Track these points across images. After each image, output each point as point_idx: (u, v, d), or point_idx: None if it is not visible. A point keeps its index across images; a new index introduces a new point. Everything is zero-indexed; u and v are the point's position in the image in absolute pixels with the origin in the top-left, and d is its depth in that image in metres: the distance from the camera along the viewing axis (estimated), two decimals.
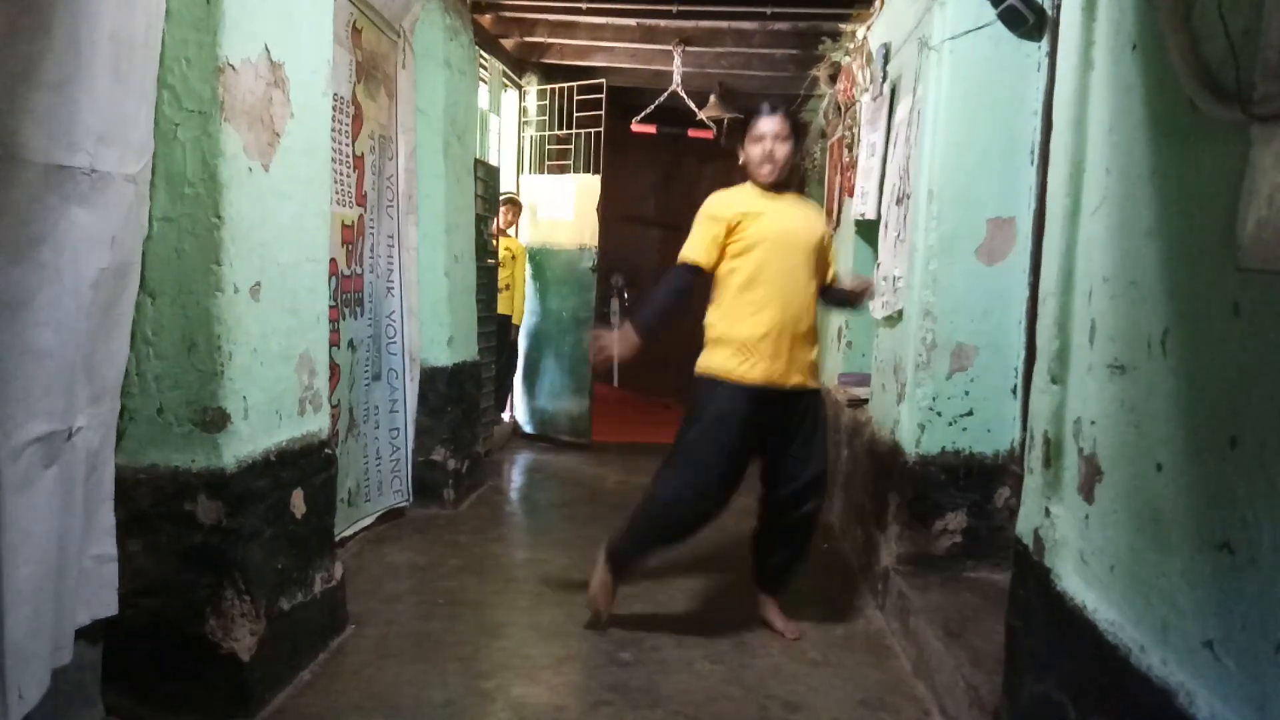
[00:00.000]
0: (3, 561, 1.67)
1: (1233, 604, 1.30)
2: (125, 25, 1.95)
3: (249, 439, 2.41)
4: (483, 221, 5.38)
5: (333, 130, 3.04)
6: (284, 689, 2.57)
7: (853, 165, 4.83)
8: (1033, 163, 3.16)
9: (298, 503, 2.67)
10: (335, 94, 3.23)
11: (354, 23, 3.63)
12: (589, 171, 6.54)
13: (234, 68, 2.28)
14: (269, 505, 2.50)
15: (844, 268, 4.07)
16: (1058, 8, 2.85)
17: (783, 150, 3.05)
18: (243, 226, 2.35)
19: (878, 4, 4.43)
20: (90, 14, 1.80)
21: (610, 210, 6.90)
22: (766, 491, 3.15)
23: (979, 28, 3.14)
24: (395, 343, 4.22)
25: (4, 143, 1.62)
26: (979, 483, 3.27)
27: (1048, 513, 1.99)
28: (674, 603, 3.45)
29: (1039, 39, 3.11)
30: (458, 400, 4.73)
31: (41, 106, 1.68)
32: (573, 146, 6.62)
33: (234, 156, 2.30)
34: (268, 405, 2.52)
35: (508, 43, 6.10)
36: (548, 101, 6.70)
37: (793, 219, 3.07)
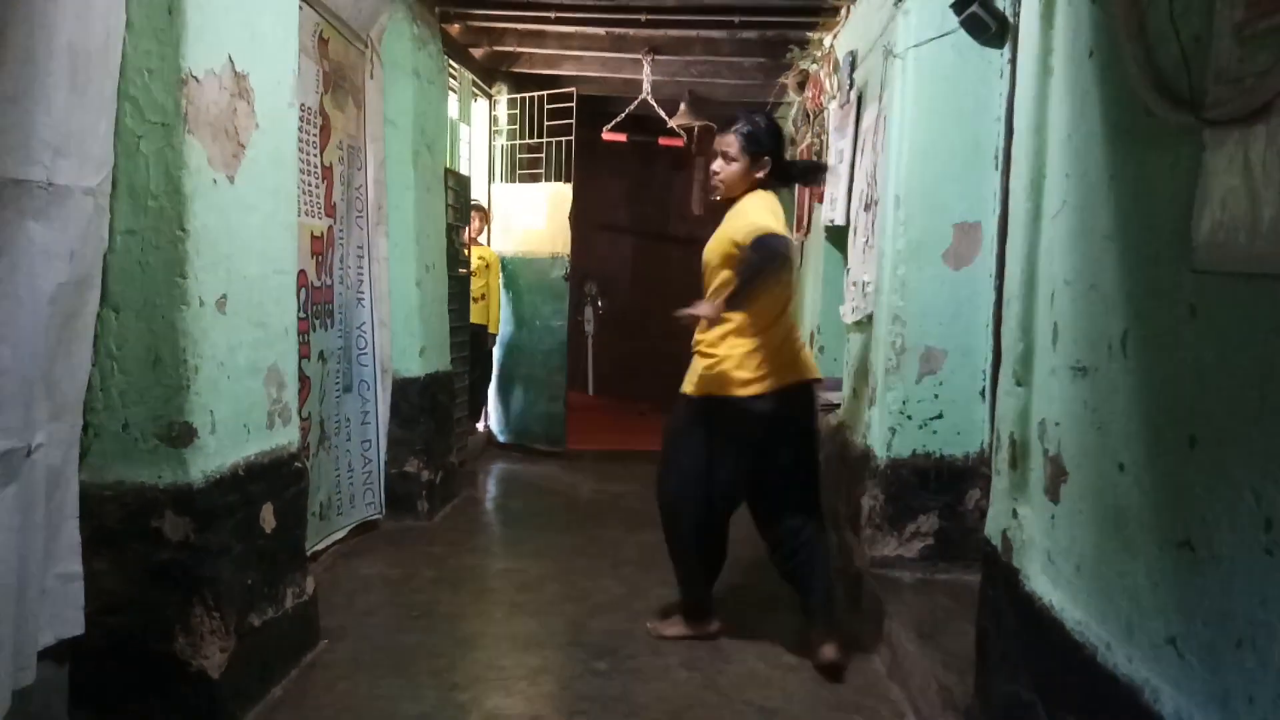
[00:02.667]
0: None
1: (1194, 601, 1.32)
2: (83, 36, 1.93)
3: (216, 454, 2.39)
4: (454, 231, 5.36)
5: (300, 141, 3.02)
6: (255, 706, 2.53)
7: None
8: (997, 168, 3.19)
9: (267, 517, 2.64)
10: (302, 104, 3.21)
11: (320, 32, 3.61)
12: (560, 180, 6.55)
13: (197, 79, 2.26)
14: (238, 520, 2.47)
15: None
16: (1018, 15, 2.88)
17: (722, 167, 3.07)
18: (208, 239, 2.32)
19: (844, 13, 4.48)
20: (46, 25, 1.78)
21: (582, 218, 6.90)
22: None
23: (942, 35, 3.18)
24: (366, 354, 4.19)
25: None
26: (950, 485, 3.29)
27: (1015, 514, 2.01)
28: (648, 611, 3.44)
29: (1001, 46, 3.15)
30: (430, 411, 4.70)
31: None
32: (544, 155, 6.62)
33: (198, 169, 2.28)
34: (235, 419, 2.49)
35: (477, 52, 6.09)
36: (518, 110, 6.69)
37: (714, 237, 3.10)
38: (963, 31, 3.12)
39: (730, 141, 3.05)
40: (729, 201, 3.10)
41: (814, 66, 5.16)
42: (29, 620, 1.90)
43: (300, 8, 2.94)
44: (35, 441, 1.86)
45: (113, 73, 2.11)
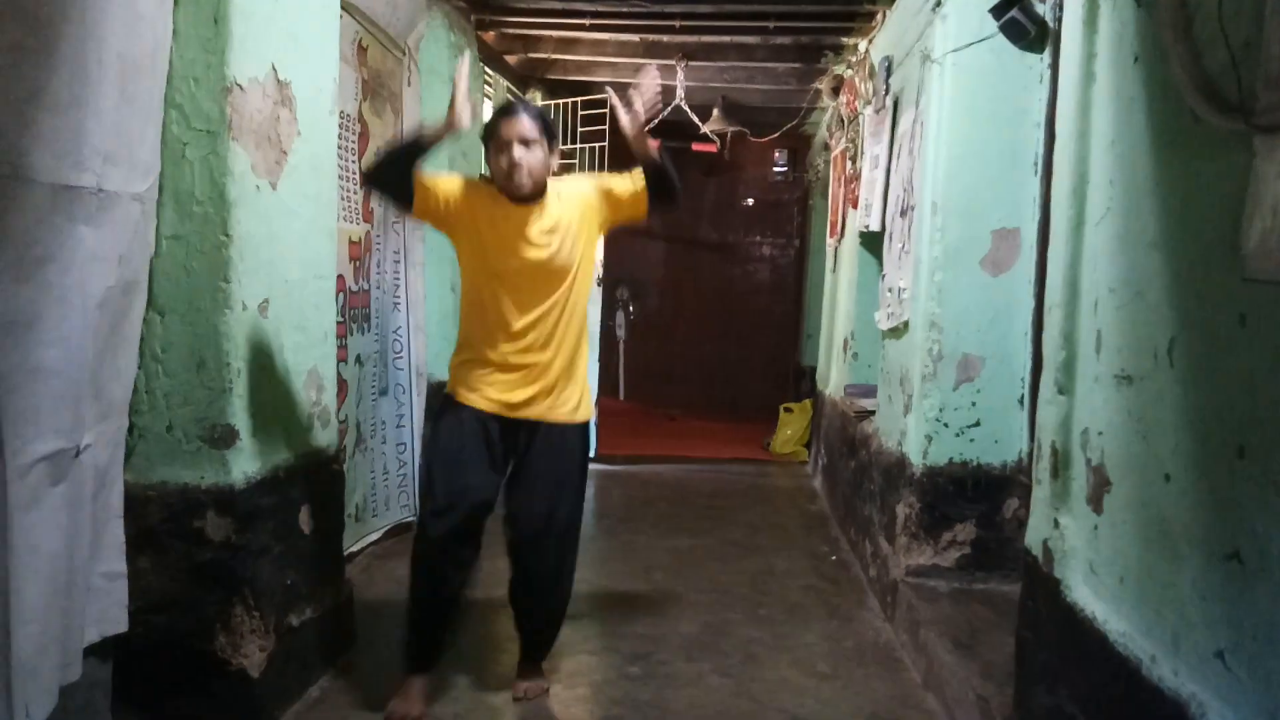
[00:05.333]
0: (10, 579, 1.68)
1: (1243, 614, 1.29)
2: (132, 46, 1.97)
3: (257, 455, 2.42)
4: None
5: (339, 148, 3.06)
6: (293, 705, 2.56)
7: (856, 177, 4.84)
8: (1036, 174, 3.16)
9: (306, 519, 2.67)
10: (342, 112, 3.25)
11: (360, 41, 3.66)
12: None
13: (241, 87, 2.30)
14: (277, 521, 2.50)
15: None
16: (1059, 20, 2.86)
17: (525, 155, 2.49)
18: (251, 244, 2.36)
19: (880, 17, 4.45)
20: (97, 35, 1.82)
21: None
22: None
23: (981, 40, 3.15)
24: (402, 358, 4.23)
25: (11, 163, 1.63)
26: (987, 494, 3.26)
27: (1056, 524, 1.99)
28: (682, 617, 3.44)
29: (1041, 51, 3.12)
30: None
31: (49, 127, 1.70)
32: (577, 161, 6.64)
33: (242, 175, 2.32)
34: (276, 422, 2.53)
35: (512, 59, 6.13)
36: (552, 117, 6.72)
37: (535, 230, 2.62)
38: (1001, 36, 3.09)
39: (529, 126, 2.49)
40: (521, 201, 2.53)
41: (849, 72, 5.14)
42: (75, 617, 1.94)
43: (340, 16, 2.98)
44: (83, 442, 1.90)
45: (160, 81, 2.15)
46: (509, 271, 2.55)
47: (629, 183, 2.67)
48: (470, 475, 2.53)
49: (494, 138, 2.53)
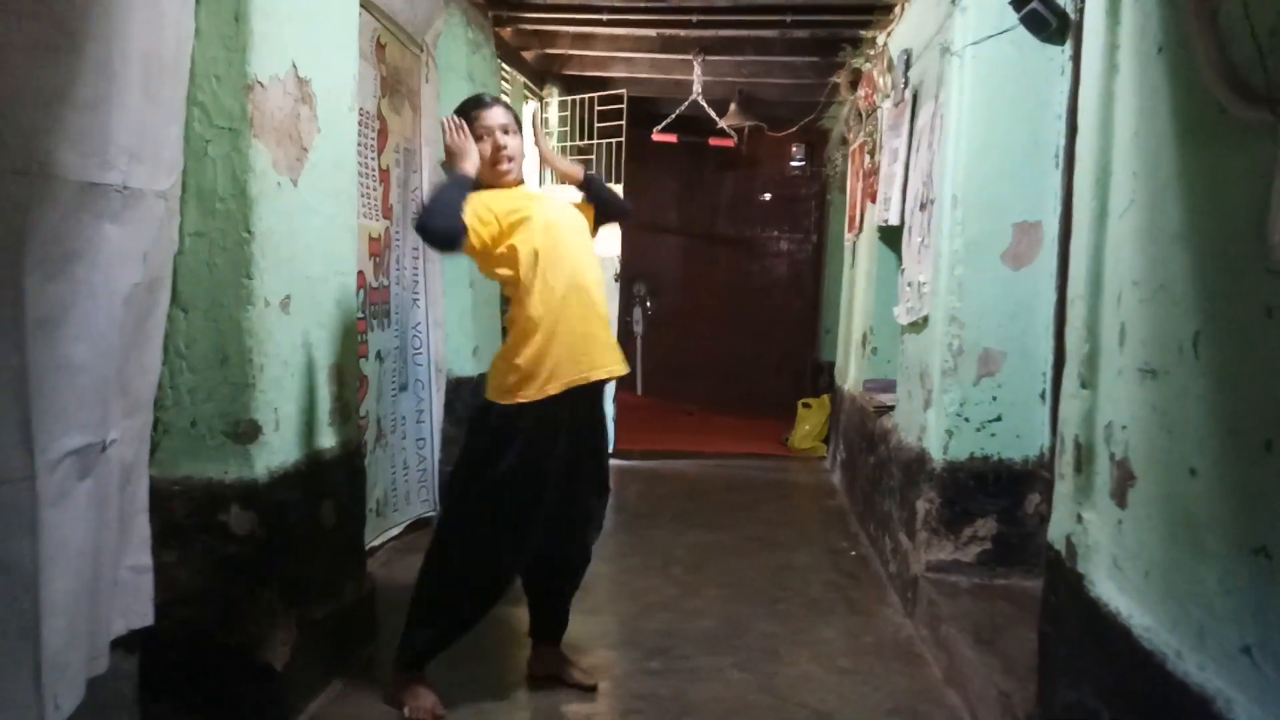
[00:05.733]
0: (40, 572, 1.70)
1: (1271, 609, 1.28)
2: (156, 44, 1.99)
3: (280, 450, 2.44)
4: None
5: (359, 144, 3.07)
6: (317, 698, 2.59)
7: (875, 171, 4.82)
8: (1058, 166, 3.14)
9: (328, 513, 2.69)
10: (361, 109, 3.27)
11: (378, 38, 3.67)
12: (611, 181, 6.56)
13: (263, 85, 2.32)
14: (300, 516, 2.52)
15: None
16: (1080, 11, 2.83)
17: (510, 142, 2.62)
18: (272, 241, 2.38)
19: (898, 10, 4.43)
20: (121, 33, 1.84)
21: (632, 219, 6.91)
22: None
23: (1001, 32, 3.14)
24: (421, 354, 4.25)
25: (38, 161, 1.65)
26: (1008, 489, 3.24)
27: (1079, 518, 1.98)
28: (702, 612, 3.44)
29: (1062, 43, 3.10)
30: None
31: (74, 125, 1.71)
32: (594, 157, 6.64)
33: (263, 172, 2.33)
34: (299, 417, 2.55)
35: (529, 55, 6.14)
36: (569, 113, 6.73)
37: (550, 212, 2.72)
38: (1022, 28, 3.07)
39: (505, 116, 2.63)
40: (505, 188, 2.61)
41: (867, 65, 5.11)
42: (103, 610, 1.96)
43: (359, 13, 2.99)
44: (110, 437, 1.92)
45: (183, 79, 2.17)
46: (558, 228, 2.58)
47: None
48: (537, 518, 2.53)
49: (471, 128, 2.61)
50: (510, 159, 2.61)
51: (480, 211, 2.50)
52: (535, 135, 2.72)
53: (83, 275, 1.77)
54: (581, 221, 2.72)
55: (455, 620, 2.61)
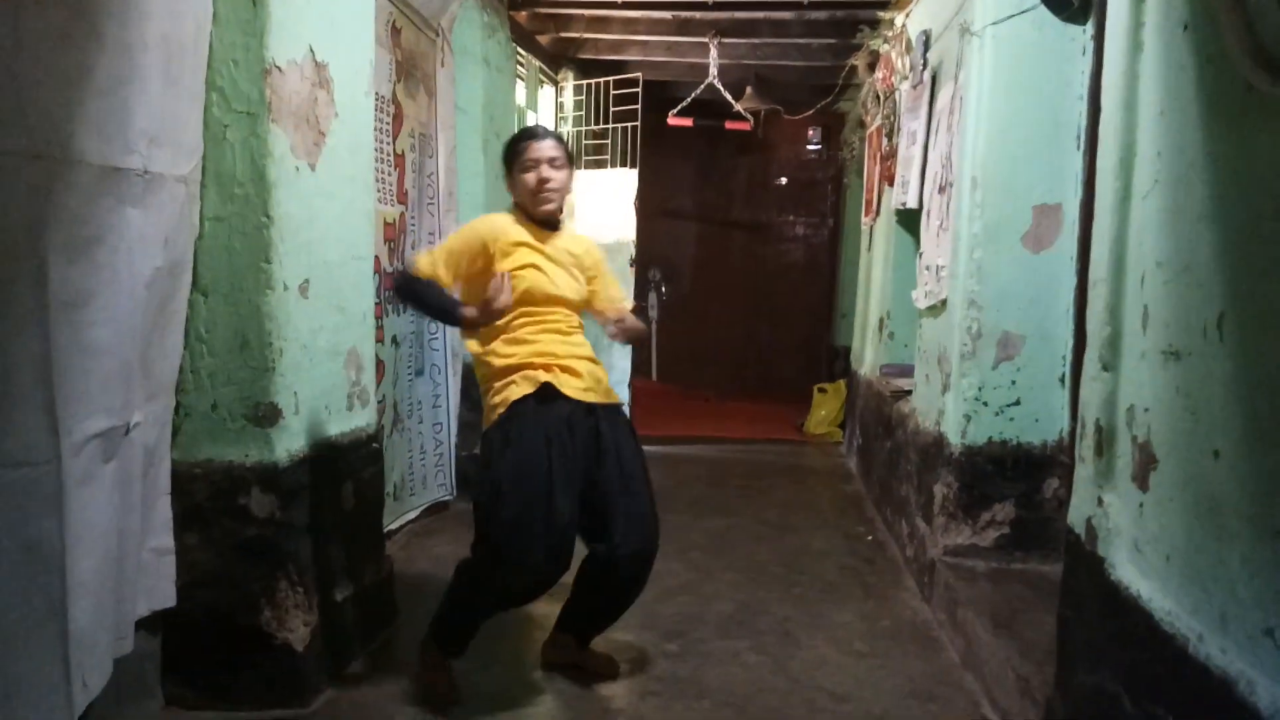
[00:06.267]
0: (66, 553, 1.72)
1: None
2: (175, 29, 2.00)
3: (300, 434, 2.46)
4: None
5: (375, 129, 3.07)
6: (336, 679, 2.61)
7: (892, 154, 4.78)
8: (1079, 148, 3.10)
9: (347, 496, 2.71)
10: (377, 93, 3.26)
11: (394, 22, 3.67)
12: (626, 166, 6.55)
13: (280, 69, 2.32)
14: (320, 498, 2.54)
15: None
16: None
17: (554, 175, 2.62)
18: (291, 225, 2.38)
19: None
20: (140, 19, 1.84)
21: (647, 204, 6.89)
22: None
23: (1022, 12, 3.10)
24: (437, 338, 4.26)
25: (61, 145, 1.66)
26: (1027, 473, 3.23)
27: (1100, 502, 1.96)
28: (719, 595, 3.45)
29: (1084, 22, 3.06)
30: None
31: (95, 110, 1.73)
32: (609, 141, 6.62)
33: (282, 157, 2.34)
34: (317, 400, 2.56)
35: (544, 39, 6.12)
36: (584, 97, 6.71)
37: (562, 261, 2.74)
38: (1043, 8, 3.04)
39: (554, 148, 2.63)
40: (544, 225, 2.65)
41: (885, 46, 5.07)
42: (127, 591, 1.98)
43: None
44: (133, 420, 1.94)
45: (202, 63, 2.17)
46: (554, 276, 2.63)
47: (614, 294, 2.91)
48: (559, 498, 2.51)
49: (519, 158, 2.63)
50: (554, 191, 2.62)
51: (451, 257, 2.60)
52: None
53: (105, 259, 1.78)
54: (583, 290, 2.74)
55: (475, 608, 2.61)
